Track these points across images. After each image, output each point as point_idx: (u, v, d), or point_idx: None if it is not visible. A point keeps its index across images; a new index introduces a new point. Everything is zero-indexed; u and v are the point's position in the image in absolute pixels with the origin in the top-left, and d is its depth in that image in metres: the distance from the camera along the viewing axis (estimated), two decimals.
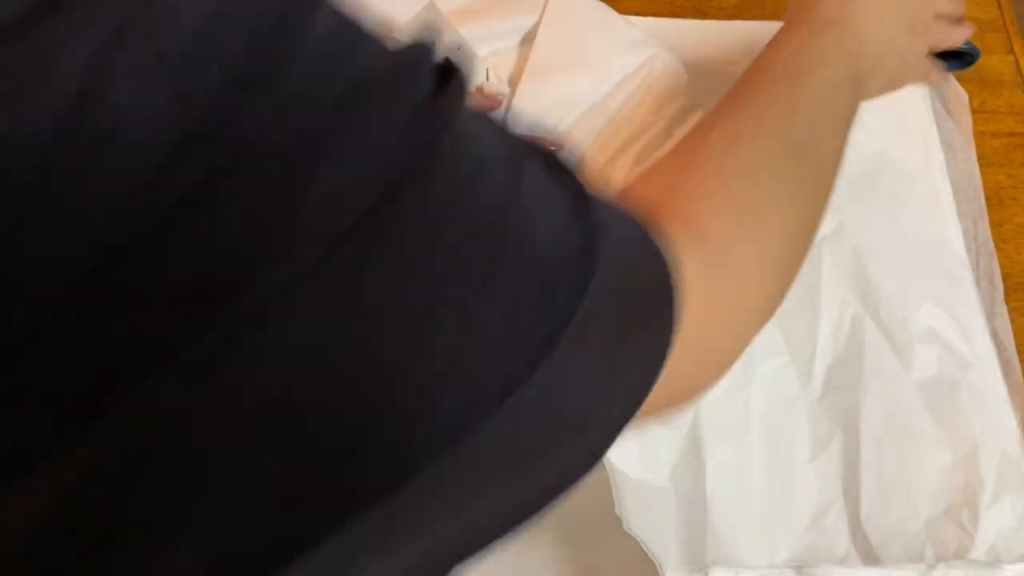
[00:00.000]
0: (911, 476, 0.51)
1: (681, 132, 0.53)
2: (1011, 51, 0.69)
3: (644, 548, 0.41)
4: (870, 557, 0.49)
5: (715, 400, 0.52)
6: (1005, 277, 0.60)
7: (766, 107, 0.42)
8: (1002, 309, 0.59)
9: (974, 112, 0.66)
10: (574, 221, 0.24)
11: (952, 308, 0.57)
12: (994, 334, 0.57)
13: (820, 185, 0.43)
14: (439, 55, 0.22)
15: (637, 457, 0.43)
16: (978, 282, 0.59)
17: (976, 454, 0.51)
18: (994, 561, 0.49)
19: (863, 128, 0.63)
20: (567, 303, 0.23)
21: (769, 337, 0.55)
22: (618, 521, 0.41)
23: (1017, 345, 0.57)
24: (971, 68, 0.68)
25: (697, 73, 0.63)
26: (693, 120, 0.54)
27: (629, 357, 0.28)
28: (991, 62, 0.69)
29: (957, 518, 0.50)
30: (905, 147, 0.63)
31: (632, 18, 0.66)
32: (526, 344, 0.22)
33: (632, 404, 0.27)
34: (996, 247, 0.61)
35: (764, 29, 0.67)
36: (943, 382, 0.54)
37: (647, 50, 0.57)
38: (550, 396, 0.23)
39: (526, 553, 0.48)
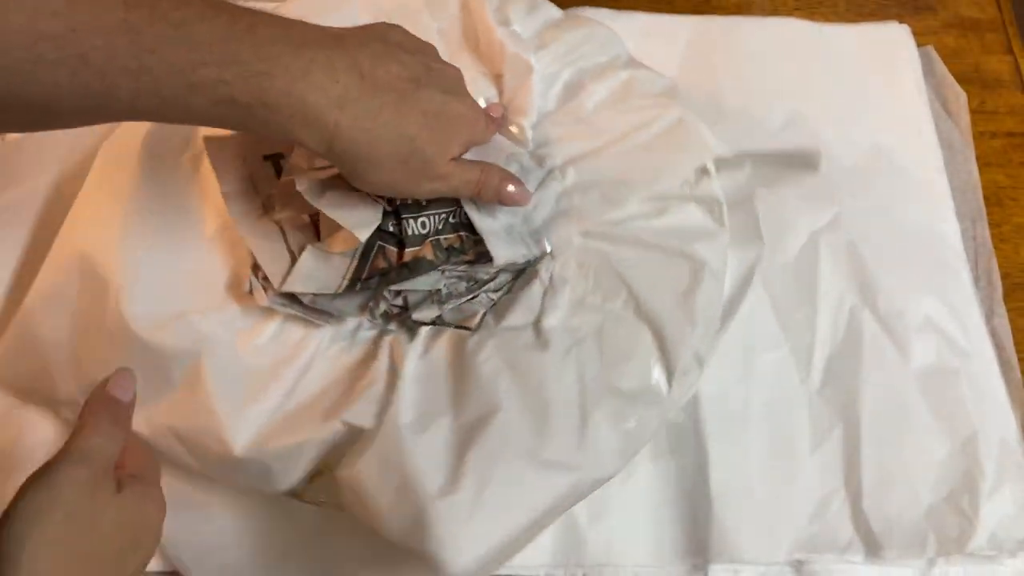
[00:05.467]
0: (912, 465, 0.51)
1: (675, 132, 0.53)
2: (1010, 51, 0.69)
3: None
4: (873, 545, 0.49)
5: (716, 393, 0.52)
6: (1004, 277, 0.60)
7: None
8: (1001, 309, 0.59)
9: (973, 112, 0.66)
10: None
11: (948, 298, 0.57)
12: (993, 334, 0.57)
13: None
14: None
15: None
16: (977, 282, 0.59)
17: (975, 442, 0.51)
18: (994, 555, 0.49)
19: (857, 121, 0.63)
20: None
21: (768, 330, 0.54)
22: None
23: (1016, 345, 0.57)
24: (971, 68, 0.68)
25: (692, 71, 0.63)
26: (685, 122, 0.53)
27: None
28: (991, 62, 0.69)
29: (958, 506, 0.49)
30: (899, 139, 0.63)
31: (630, 13, 0.65)
32: None
33: None
34: (995, 247, 0.61)
35: (760, 26, 0.68)
36: (941, 371, 0.54)
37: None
38: None
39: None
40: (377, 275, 0.46)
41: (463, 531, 0.40)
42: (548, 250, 0.48)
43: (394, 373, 0.45)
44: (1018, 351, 0.57)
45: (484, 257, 0.47)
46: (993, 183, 0.64)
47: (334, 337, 0.47)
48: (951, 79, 0.67)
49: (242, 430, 0.44)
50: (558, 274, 0.47)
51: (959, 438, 0.52)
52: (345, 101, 0.38)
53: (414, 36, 0.44)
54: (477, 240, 0.47)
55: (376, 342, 0.47)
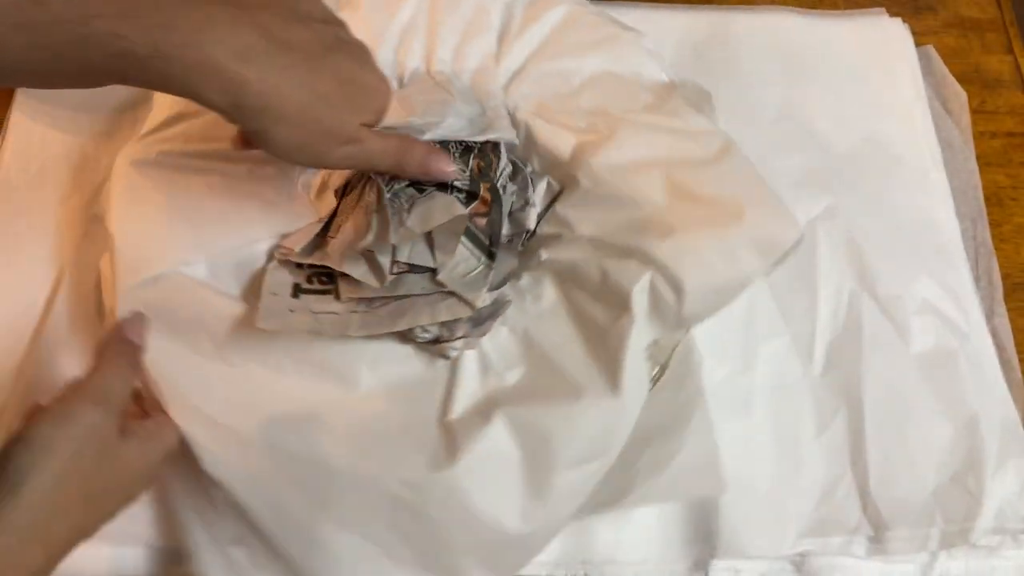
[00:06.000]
0: (916, 447, 0.51)
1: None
2: (1011, 51, 0.69)
3: None
4: (881, 527, 0.49)
5: (719, 383, 0.51)
6: (1005, 277, 0.60)
7: None
8: (1001, 309, 0.58)
9: (973, 112, 0.65)
10: None
11: (945, 280, 0.57)
12: (994, 333, 0.57)
13: None
14: None
15: None
16: (977, 281, 0.59)
17: (978, 422, 0.51)
18: (995, 547, 0.49)
19: (852, 111, 0.63)
20: None
21: (769, 318, 0.54)
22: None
23: (1017, 345, 0.57)
24: (971, 68, 0.68)
25: (686, 62, 0.63)
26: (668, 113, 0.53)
27: None
28: (991, 62, 0.69)
29: (964, 485, 0.50)
30: (895, 128, 0.63)
31: (624, 5, 0.65)
32: None
33: None
34: (995, 247, 0.61)
35: (754, 18, 0.67)
36: (941, 353, 0.54)
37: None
38: None
39: None
40: (487, 233, 0.47)
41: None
42: (511, 107, 0.51)
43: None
44: (1018, 351, 0.57)
45: (495, 153, 0.49)
46: (993, 183, 0.63)
47: (517, 308, 0.47)
48: (951, 79, 0.66)
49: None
50: (531, 121, 0.50)
51: (962, 418, 0.52)
52: (249, 55, 0.36)
53: (325, 7, 0.43)
54: (489, 149, 0.48)
55: (537, 280, 0.47)
